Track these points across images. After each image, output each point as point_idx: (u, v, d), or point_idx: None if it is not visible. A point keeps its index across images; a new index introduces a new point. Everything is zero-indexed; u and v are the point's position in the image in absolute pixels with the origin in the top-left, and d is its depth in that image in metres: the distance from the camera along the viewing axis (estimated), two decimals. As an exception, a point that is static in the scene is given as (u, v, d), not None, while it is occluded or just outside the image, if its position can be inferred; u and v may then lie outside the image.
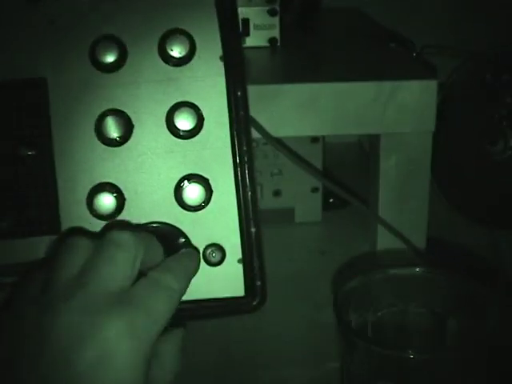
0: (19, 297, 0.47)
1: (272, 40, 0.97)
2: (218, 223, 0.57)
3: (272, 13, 0.95)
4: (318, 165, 1.00)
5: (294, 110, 0.80)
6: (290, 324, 0.81)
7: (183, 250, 0.55)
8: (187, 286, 0.51)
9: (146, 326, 0.45)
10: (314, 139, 1.00)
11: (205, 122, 0.57)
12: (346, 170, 1.14)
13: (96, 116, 0.56)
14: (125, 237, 0.48)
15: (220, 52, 0.57)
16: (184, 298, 0.52)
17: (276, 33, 0.97)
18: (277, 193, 1.03)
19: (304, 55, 0.96)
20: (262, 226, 0.58)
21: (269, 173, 1.01)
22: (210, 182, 0.57)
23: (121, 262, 0.47)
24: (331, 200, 1.07)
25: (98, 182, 0.56)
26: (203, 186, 0.56)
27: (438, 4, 1.36)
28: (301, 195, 1.04)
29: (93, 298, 0.45)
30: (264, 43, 0.96)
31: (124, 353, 0.43)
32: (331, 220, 1.05)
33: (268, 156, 0.99)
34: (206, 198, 0.56)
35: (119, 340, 0.43)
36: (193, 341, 0.61)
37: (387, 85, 0.80)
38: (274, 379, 0.74)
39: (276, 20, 0.96)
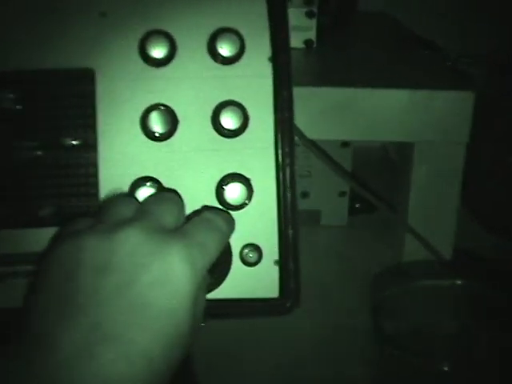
0: (69, 230, 0.48)
1: (308, 42, 0.97)
2: (256, 223, 0.57)
3: (310, 15, 0.95)
4: (348, 169, 1.00)
5: (329, 114, 0.80)
6: (315, 326, 0.81)
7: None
8: (230, 237, 0.53)
9: (201, 258, 0.47)
10: (345, 144, 1.00)
11: (250, 122, 0.57)
12: (371, 174, 1.14)
13: (142, 110, 0.56)
14: (171, 193, 0.53)
15: (269, 53, 0.57)
16: (218, 296, 0.52)
17: (312, 35, 0.97)
18: (304, 194, 1.03)
19: (340, 58, 0.96)
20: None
21: (298, 174, 1.00)
22: (252, 181, 0.57)
23: (173, 203, 0.51)
24: (357, 205, 1.07)
25: (140, 175, 0.56)
26: (245, 186, 0.56)
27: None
28: (328, 198, 1.04)
29: (151, 228, 0.46)
30: (300, 45, 0.96)
31: (183, 278, 0.45)
32: (356, 225, 1.05)
33: (298, 157, 0.99)
34: (246, 198, 0.56)
35: (180, 265, 0.45)
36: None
37: (423, 93, 0.80)
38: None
39: (313, 22, 0.96)
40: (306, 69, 0.95)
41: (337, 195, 1.04)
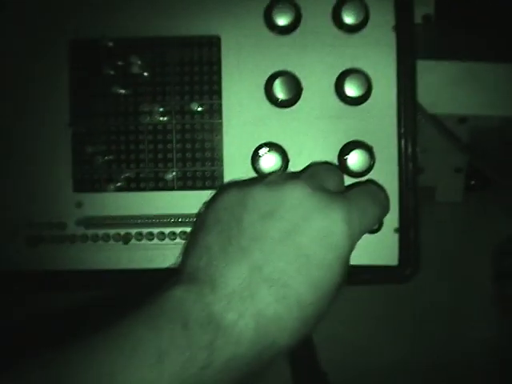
0: (233, 185, 0.51)
1: (426, 17, 0.95)
2: (378, 192, 0.57)
3: (428, -11, 0.94)
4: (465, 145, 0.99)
5: (449, 88, 0.79)
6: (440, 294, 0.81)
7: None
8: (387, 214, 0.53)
9: (359, 222, 0.48)
10: (462, 119, 0.98)
11: (373, 90, 0.57)
12: (488, 153, 1.12)
13: (266, 77, 0.57)
14: (331, 164, 0.56)
15: (393, 22, 0.57)
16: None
17: (431, 9, 0.95)
18: (420, 170, 1.02)
19: (458, 32, 0.95)
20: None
21: (414, 149, 1.00)
22: (374, 150, 0.57)
23: (335, 170, 0.53)
24: (473, 182, 1.06)
25: (263, 141, 0.57)
26: (367, 154, 0.56)
27: None
28: (443, 174, 1.03)
29: (316, 186, 0.48)
30: (418, 20, 0.95)
31: (341, 235, 0.46)
32: (472, 201, 1.03)
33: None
34: (368, 166, 0.57)
35: (340, 224, 0.46)
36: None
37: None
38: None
39: (432, -4, 0.94)
40: (425, 43, 0.94)
41: (453, 171, 1.03)
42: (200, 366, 0.41)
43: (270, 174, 0.53)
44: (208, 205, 0.50)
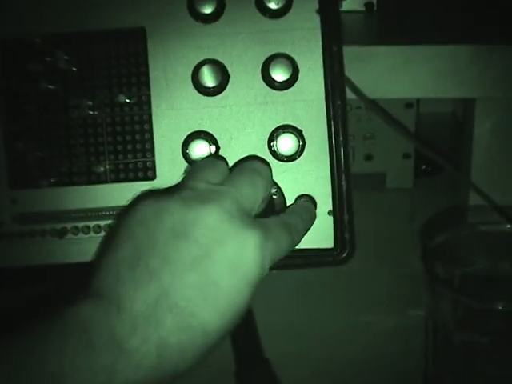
0: (149, 195, 0.49)
1: (368, 4, 0.96)
2: (309, 175, 0.58)
3: (368, -24, 0.94)
4: (412, 131, 0.99)
5: (389, 73, 0.79)
6: (378, 276, 0.81)
7: (304, 202, 0.57)
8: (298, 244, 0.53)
9: (272, 252, 0.48)
10: (408, 104, 0.99)
11: (300, 74, 0.57)
12: (437, 138, 1.12)
13: (193, 65, 0.57)
14: (265, 168, 0.54)
15: (316, 5, 0.58)
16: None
17: (373, -4, 0.96)
18: (368, 157, 1.02)
19: (400, 19, 0.95)
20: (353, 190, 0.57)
21: (361, 136, 1.00)
22: (304, 133, 0.57)
23: (260, 188, 0.51)
24: (423, 167, 1.06)
25: (193, 130, 0.57)
26: (296, 137, 0.57)
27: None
28: (393, 160, 1.03)
29: (235, 208, 0.47)
30: (360, 7, 0.95)
31: (253, 264, 0.46)
32: (422, 187, 1.04)
33: (361, 120, 0.99)
34: (298, 149, 0.57)
35: (254, 252, 0.46)
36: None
37: (484, 49, 0.78)
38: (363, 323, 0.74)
39: (372, -16, 0.95)
40: (367, 30, 0.94)
41: (401, 157, 1.03)
42: None
43: (191, 179, 0.51)
44: (123, 215, 0.49)
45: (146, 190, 0.57)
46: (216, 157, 0.57)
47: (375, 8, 0.94)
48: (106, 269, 0.45)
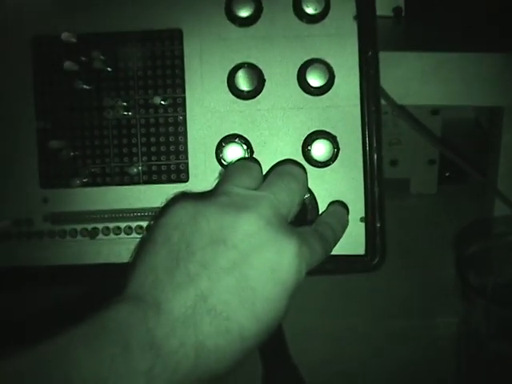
0: (185, 199, 0.49)
1: (397, 9, 0.95)
2: (342, 181, 0.58)
3: (397, -19, 0.94)
4: (437, 137, 0.99)
5: (417, 79, 0.79)
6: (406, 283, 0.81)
7: (338, 208, 0.57)
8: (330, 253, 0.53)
9: (308, 259, 0.48)
10: (434, 111, 0.99)
11: (335, 80, 0.57)
12: (462, 144, 1.12)
13: (229, 69, 0.57)
14: (301, 171, 0.54)
15: (354, 11, 0.58)
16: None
17: (401, 2, 0.95)
18: (394, 162, 1.02)
19: (428, 24, 0.95)
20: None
21: (387, 142, 1.00)
22: (338, 139, 0.57)
23: (296, 193, 0.51)
24: (447, 174, 1.06)
25: (227, 133, 0.57)
26: (331, 143, 0.57)
27: None
28: (417, 166, 1.03)
29: (269, 214, 0.47)
30: (388, 13, 0.95)
31: (290, 271, 0.46)
32: (446, 193, 1.03)
33: (387, 125, 0.99)
34: (332, 155, 0.57)
35: (291, 259, 0.46)
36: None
37: (512, 57, 0.78)
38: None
39: (402, -11, 0.95)
40: (395, 35, 0.94)
41: (426, 163, 1.03)
42: None
43: (227, 183, 0.51)
44: (158, 218, 0.48)
45: (180, 193, 0.57)
46: (249, 159, 0.56)
47: (403, 13, 0.93)
48: (143, 273, 0.45)
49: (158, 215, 0.49)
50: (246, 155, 0.57)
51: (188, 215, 0.47)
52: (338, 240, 0.55)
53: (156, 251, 0.46)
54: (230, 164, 0.56)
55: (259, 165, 0.55)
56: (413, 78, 0.77)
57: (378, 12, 0.88)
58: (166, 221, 0.47)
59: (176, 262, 0.45)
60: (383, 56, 0.74)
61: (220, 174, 0.57)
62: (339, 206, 0.57)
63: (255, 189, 0.50)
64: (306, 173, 0.55)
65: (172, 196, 0.56)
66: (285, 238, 0.46)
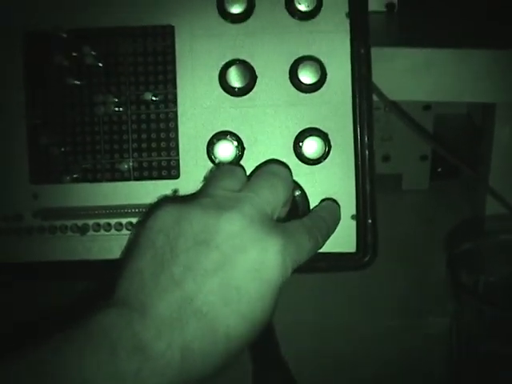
0: (168, 203, 0.49)
1: (389, 5, 0.95)
2: (334, 178, 0.57)
3: (390, -23, 0.94)
4: (430, 133, 0.99)
5: (409, 75, 0.79)
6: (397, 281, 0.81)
7: (329, 203, 0.57)
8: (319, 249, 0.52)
9: (295, 256, 0.48)
10: (426, 107, 0.98)
11: (327, 77, 0.57)
12: (454, 140, 1.11)
13: (221, 65, 0.57)
14: (284, 170, 0.53)
15: (346, 8, 0.57)
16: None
17: (394, -2, 0.95)
18: (386, 158, 1.02)
19: (421, 20, 0.94)
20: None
21: (379, 138, 1.00)
22: (330, 136, 0.57)
23: (280, 190, 0.51)
24: (439, 169, 1.05)
25: (218, 129, 0.57)
26: (322, 140, 0.56)
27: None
28: (409, 162, 1.03)
29: (255, 214, 0.47)
30: (381, 8, 0.95)
31: (275, 269, 0.46)
32: (438, 189, 1.03)
33: (379, 121, 0.99)
34: (324, 153, 0.57)
35: (275, 257, 0.46)
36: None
37: (505, 53, 0.78)
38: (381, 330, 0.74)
39: (394, -16, 0.94)
40: (388, 31, 0.93)
41: (418, 159, 1.03)
42: None
43: (210, 186, 0.51)
44: (143, 223, 0.48)
45: (164, 197, 0.57)
46: (234, 164, 0.56)
47: (396, 9, 0.93)
48: (129, 277, 0.45)
49: (142, 219, 0.50)
50: (238, 152, 0.56)
51: (172, 218, 0.47)
52: (331, 233, 0.54)
53: (141, 255, 0.46)
54: (215, 167, 0.56)
55: (243, 168, 0.55)
56: (405, 74, 0.77)
57: (371, 7, 0.88)
58: (150, 225, 0.47)
59: (161, 266, 0.45)
60: (375, 52, 0.74)
61: (210, 171, 0.56)
62: (331, 201, 0.57)
63: (239, 191, 0.50)
64: (290, 169, 0.55)
65: (156, 200, 0.56)
66: (267, 236, 0.46)
